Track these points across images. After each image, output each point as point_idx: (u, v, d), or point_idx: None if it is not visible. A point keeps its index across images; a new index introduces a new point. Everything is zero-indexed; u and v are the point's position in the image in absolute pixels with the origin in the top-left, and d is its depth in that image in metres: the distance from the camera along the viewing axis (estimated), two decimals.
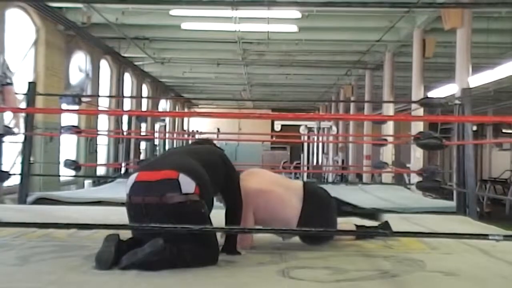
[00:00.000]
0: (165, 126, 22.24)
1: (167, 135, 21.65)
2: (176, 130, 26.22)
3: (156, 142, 20.22)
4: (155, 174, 3.42)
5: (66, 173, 11.33)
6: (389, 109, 15.61)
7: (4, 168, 6.83)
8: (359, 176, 17.51)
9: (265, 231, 4.40)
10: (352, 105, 20.12)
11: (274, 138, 21.46)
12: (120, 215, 5.57)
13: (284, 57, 16.36)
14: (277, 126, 27.03)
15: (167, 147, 20.71)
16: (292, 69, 17.91)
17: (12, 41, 10.26)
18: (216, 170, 3.72)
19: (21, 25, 10.89)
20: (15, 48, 10.48)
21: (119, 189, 9.13)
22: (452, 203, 7.48)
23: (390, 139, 13.86)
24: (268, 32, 13.28)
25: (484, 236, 3.29)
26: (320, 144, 19.79)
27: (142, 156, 18.13)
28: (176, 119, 27.19)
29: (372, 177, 15.51)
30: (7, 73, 5.19)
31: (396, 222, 5.21)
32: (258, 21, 12.49)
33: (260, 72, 19.46)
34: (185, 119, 29.33)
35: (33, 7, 11.16)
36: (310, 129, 20.12)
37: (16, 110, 4.86)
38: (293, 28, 13.06)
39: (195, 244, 3.38)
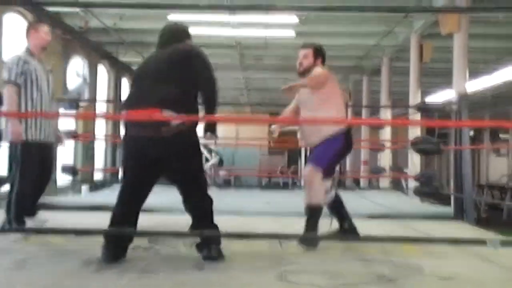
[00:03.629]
0: None
1: None
2: None
3: None
4: (143, 112, 3.69)
5: (63, 178, 11.34)
6: (386, 114, 15.64)
7: None
8: (356, 181, 17.52)
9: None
10: (349, 110, 20.11)
11: (271, 143, 21.43)
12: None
13: (282, 62, 16.38)
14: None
15: None
16: (290, 74, 17.89)
17: (9, 46, 10.25)
18: (188, 80, 3.91)
19: (18, 29, 10.89)
20: (12, 52, 10.46)
21: (116, 195, 9.15)
22: (450, 209, 7.48)
23: (388, 144, 13.88)
24: (265, 37, 13.31)
25: (482, 243, 3.30)
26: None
27: None
28: None
29: (370, 183, 15.52)
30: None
31: (393, 228, 5.21)
32: (255, 26, 12.52)
33: (258, 77, 19.49)
34: None
35: (30, 12, 11.17)
36: None
37: (12, 115, 4.90)
38: (291, 33, 13.10)
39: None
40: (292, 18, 12.09)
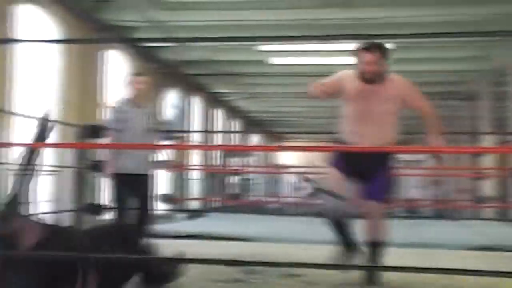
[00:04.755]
0: (256, 160, 22.38)
1: (258, 169, 21.74)
2: (267, 164, 26.31)
3: (248, 176, 20.33)
4: None
5: (160, 207, 11.59)
6: (488, 141, 14.93)
7: (98, 202, 7.14)
8: (457, 211, 16.76)
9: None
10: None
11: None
12: (213, 249, 5.57)
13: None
14: None
15: (258, 181, 20.78)
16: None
17: (110, 82, 10.68)
18: None
19: (118, 66, 11.34)
20: (113, 89, 10.88)
21: (212, 224, 9.24)
22: None
23: (490, 171, 13.22)
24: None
25: None
26: (413, 178, 19.19)
27: (234, 191, 18.26)
28: (268, 153, 27.32)
29: (472, 212, 14.80)
30: (156, 119, 6.35)
31: (494, 261, 4.88)
32: (347, 54, 12.40)
33: None
34: (277, 153, 29.42)
35: (129, 48, 11.61)
36: (407, 162, 19.52)
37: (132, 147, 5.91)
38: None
39: None
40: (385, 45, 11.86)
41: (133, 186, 5.91)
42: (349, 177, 4.12)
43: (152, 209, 6.38)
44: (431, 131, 4.15)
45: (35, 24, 8.46)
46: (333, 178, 4.13)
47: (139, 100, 6.00)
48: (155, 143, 6.36)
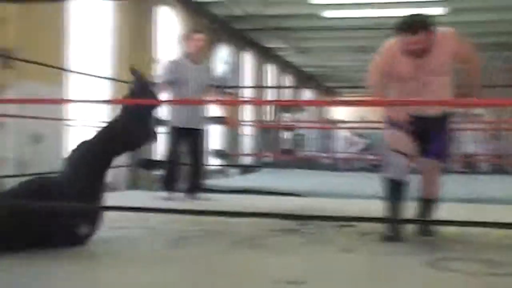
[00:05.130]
0: (308, 115, 22.28)
1: (310, 124, 21.66)
2: (319, 120, 26.20)
3: (300, 131, 20.32)
4: None
5: (213, 163, 11.75)
6: None
7: (154, 157, 7.36)
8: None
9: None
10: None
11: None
12: (266, 203, 5.65)
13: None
14: None
15: (310, 137, 20.74)
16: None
17: (162, 38, 10.75)
18: None
19: (170, 22, 11.37)
20: (165, 44, 10.95)
21: (264, 179, 9.32)
22: None
23: None
24: None
25: None
26: (470, 132, 18.76)
27: (286, 146, 18.30)
28: (319, 108, 27.17)
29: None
30: (212, 75, 6.43)
31: None
32: (401, 5, 12.04)
33: None
34: (329, 108, 29.22)
35: (180, 4, 11.63)
36: (464, 117, 18.99)
37: (182, 102, 6.21)
38: (440, 10, 12.45)
39: None
40: None
41: (187, 140, 6.17)
42: (410, 135, 3.99)
43: (204, 164, 6.54)
44: (474, 84, 4.02)
45: None
46: (395, 137, 4.01)
47: (195, 56, 6.16)
48: (211, 99, 6.47)
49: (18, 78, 6.53)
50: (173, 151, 6.20)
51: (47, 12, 6.94)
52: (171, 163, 6.23)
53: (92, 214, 3.50)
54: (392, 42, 3.98)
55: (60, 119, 7.18)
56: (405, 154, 3.96)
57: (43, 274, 2.95)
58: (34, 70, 6.33)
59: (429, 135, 4.02)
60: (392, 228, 3.89)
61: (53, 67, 6.49)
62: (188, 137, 6.19)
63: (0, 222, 3.23)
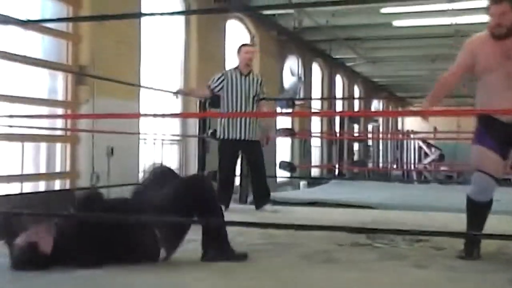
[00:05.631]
0: (378, 126, 21.96)
1: (380, 135, 21.34)
2: (390, 130, 25.77)
3: (370, 143, 20.04)
4: None
5: (282, 175, 11.73)
6: None
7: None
8: None
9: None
10: None
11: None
12: (335, 216, 5.56)
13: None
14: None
15: (380, 148, 20.41)
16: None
17: (231, 51, 10.85)
18: None
19: (239, 35, 11.49)
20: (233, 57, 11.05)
21: (334, 190, 9.22)
22: None
23: None
24: (487, 22, 12.34)
25: None
26: None
27: (355, 157, 18.09)
28: (390, 118, 26.73)
29: None
30: (263, 88, 6.46)
31: None
32: (475, 12, 11.70)
33: None
34: (399, 119, 28.70)
35: (249, 17, 11.73)
36: None
37: (251, 115, 6.30)
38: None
39: None
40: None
41: (243, 152, 6.33)
42: (500, 152, 3.72)
43: (266, 174, 6.56)
44: None
45: None
46: (485, 157, 3.75)
47: (244, 68, 6.34)
48: (263, 110, 6.58)
49: (93, 94, 6.73)
50: (224, 165, 6.28)
51: (120, 28, 7.13)
52: (223, 177, 6.25)
53: (174, 231, 3.53)
54: (476, 35, 3.84)
55: (133, 133, 7.34)
56: (492, 176, 3.73)
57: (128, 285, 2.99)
58: (108, 86, 6.52)
59: None
60: (472, 245, 3.73)
61: (125, 83, 6.66)
62: (241, 149, 6.29)
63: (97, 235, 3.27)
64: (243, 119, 6.18)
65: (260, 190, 6.37)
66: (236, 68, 6.39)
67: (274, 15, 12.44)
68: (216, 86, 6.25)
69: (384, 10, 11.83)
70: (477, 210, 3.80)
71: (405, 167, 19.79)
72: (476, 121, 3.92)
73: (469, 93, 19.35)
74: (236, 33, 11.38)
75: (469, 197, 3.83)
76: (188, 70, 9.44)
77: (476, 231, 3.76)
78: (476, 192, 3.79)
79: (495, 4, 3.66)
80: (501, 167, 3.79)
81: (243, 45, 6.66)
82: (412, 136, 19.52)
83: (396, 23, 12.80)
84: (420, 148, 20.69)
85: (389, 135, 21.91)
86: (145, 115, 8.58)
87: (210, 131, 6.62)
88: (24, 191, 6.03)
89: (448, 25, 12.69)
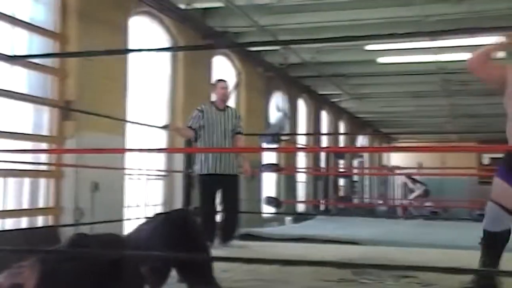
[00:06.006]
0: (363, 162, 22.06)
1: (365, 171, 21.42)
2: (375, 166, 25.87)
3: (355, 178, 20.10)
4: None
5: (267, 210, 11.69)
6: None
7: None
8: None
9: None
10: None
11: (482, 172, 20.17)
12: (321, 252, 5.53)
13: (490, 86, 15.32)
14: (486, 159, 25.34)
15: (366, 183, 20.47)
16: (499, 97, 16.73)
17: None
18: None
19: (225, 71, 11.57)
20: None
21: (319, 226, 9.19)
22: None
23: None
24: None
25: None
26: None
27: (341, 193, 18.11)
28: (375, 154, 26.87)
29: None
30: (239, 122, 6.51)
31: None
32: (458, 50, 11.89)
33: (465, 103, 18.46)
34: (385, 154, 28.86)
35: (235, 53, 11.84)
36: None
37: (237, 150, 6.54)
38: (499, 54, 12.22)
39: None
40: (499, 38, 11.26)
41: (219, 187, 6.27)
42: None
43: (239, 211, 6.57)
44: None
45: (146, 34, 8.81)
46: (502, 191, 3.79)
47: (220, 103, 6.42)
48: (239, 144, 6.55)
49: (78, 129, 6.71)
50: (205, 201, 6.28)
51: (107, 64, 7.16)
52: (205, 213, 6.22)
53: (159, 267, 3.48)
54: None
55: (118, 168, 7.30)
56: (508, 210, 3.75)
57: None
58: (94, 121, 6.51)
59: None
60: (486, 281, 3.71)
61: (111, 117, 6.66)
62: (219, 184, 6.26)
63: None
64: (222, 154, 6.27)
65: (230, 225, 6.36)
66: (213, 103, 6.47)
67: (260, 51, 12.56)
68: (195, 124, 6.28)
69: (368, 47, 12.00)
70: (492, 241, 3.81)
71: (390, 202, 19.83)
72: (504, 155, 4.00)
73: (454, 129, 19.46)
74: (223, 69, 11.46)
75: (484, 229, 3.85)
76: (174, 105, 9.47)
77: (491, 265, 3.76)
78: (489, 222, 3.82)
79: None
80: None
81: (219, 80, 6.72)
82: (397, 171, 19.62)
83: (381, 59, 12.98)
84: (405, 183, 20.79)
85: (374, 171, 21.98)
86: (130, 150, 8.53)
87: (196, 166, 6.59)
88: (6, 227, 5.95)
89: (431, 62, 12.88)
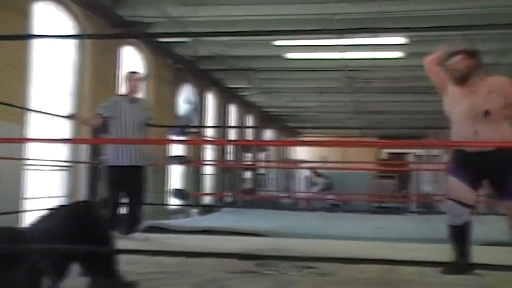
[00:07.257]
0: (269, 155, 22.41)
1: (271, 164, 21.77)
2: (280, 160, 26.34)
3: (261, 171, 20.39)
4: None
5: (174, 202, 11.66)
6: None
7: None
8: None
9: None
10: None
11: (381, 167, 21.04)
12: (226, 243, 5.60)
13: (391, 84, 15.99)
14: (384, 154, 26.45)
15: (271, 176, 20.81)
16: (400, 95, 17.49)
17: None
18: None
19: (134, 61, 11.40)
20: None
21: (225, 218, 9.28)
22: None
23: None
24: (373, 58, 13.02)
25: None
26: (429, 173, 19.10)
27: (247, 186, 18.32)
28: (281, 148, 27.35)
29: (489, 208, 14.69)
30: (150, 114, 6.56)
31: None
32: (363, 48, 12.32)
33: (367, 100, 19.17)
34: (290, 148, 29.42)
35: (145, 44, 11.69)
36: (419, 157, 19.41)
37: (144, 142, 6.49)
38: (399, 54, 12.78)
39: None
40: (399, 39, 11.80)
41: (126, 178, 6.24)
42: (471, 183, 4.13)
43: (143, 203, 6.55)
44: None
45: (52, 21, 8.53)
46: (455, 187, 4.17)
47: (132, 95, 6.40)
48: (147, 137, 6.60)
49: None
50: (112, 192, 6.27)
51: (8, 50, 6.88)
52: (112, 205, 6.22)
53: (60, 260, 3.39)
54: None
55: (17, 159, 7.04)
56: (464, 204, 4.12)
57: None
58: None
59: (498, 176, 4.10)
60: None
61: (11, 105, 6.40)
62: (126, 175, 6.23)
63: None
64: (131, 145, 6.23)
65: (133, 216, 6.34)
66: (124, 95, 6.43)
67: (170, 43, 12.47)
68: (106, 112, 6.23)
69: (277, 43, 12.19)
70: (457, 233, 4.17)
71: (294, 195, 20.29)
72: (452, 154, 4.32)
73: (356, 125, 20.08)
74: (132, 59, 11.28)
75: (449, 225, 4.20)
76: (81, 94, 9.24)
77: (463, 255, 4.11)
78: (451, 218, 4.18)
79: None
80: (472, 196, 4.17)
81: (131, 72, 6.68)
82: (301, 165, 20.08)
83: (289, 55, 13.23)
84: (309, 177, 21.33)
85: (279, 164, 22.38)
86: (32, 139, 8.25)
87: (105, 157, 6.49)
88: None
89: (337, 59, 13.26)
